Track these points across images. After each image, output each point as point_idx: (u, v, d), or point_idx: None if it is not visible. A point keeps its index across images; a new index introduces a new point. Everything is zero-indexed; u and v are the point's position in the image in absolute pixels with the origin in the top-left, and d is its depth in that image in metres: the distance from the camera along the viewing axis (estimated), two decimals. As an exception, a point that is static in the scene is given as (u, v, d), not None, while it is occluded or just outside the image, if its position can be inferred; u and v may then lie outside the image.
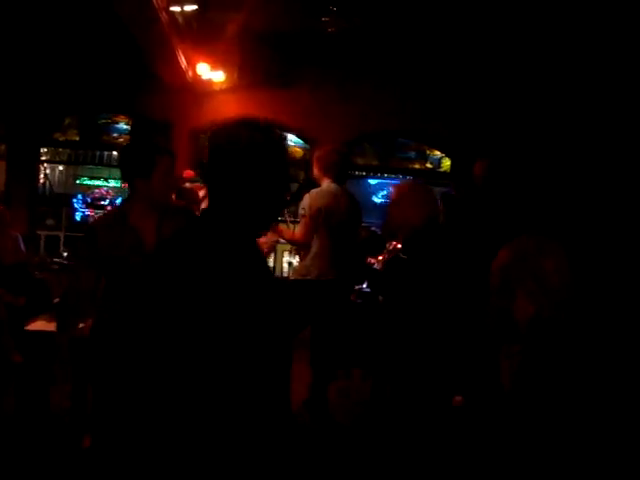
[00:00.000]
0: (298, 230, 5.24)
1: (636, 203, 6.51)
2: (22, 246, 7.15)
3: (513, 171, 4.79)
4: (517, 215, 4.53)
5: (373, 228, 7.91)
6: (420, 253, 3.33)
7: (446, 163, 10.41)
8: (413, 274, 3.34)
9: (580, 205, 6.87)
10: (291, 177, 1.84)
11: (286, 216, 8.02)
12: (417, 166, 10.57)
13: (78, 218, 10.33)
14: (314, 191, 5.16)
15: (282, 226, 6.66)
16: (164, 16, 6.21)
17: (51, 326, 4.67)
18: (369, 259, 8.22)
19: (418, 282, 3.31)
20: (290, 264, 11.26)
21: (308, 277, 5.16)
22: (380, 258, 8.22)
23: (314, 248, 5.15)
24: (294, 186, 10.57)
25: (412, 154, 10.58)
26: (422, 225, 3.29)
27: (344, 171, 5.38)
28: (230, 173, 1.70)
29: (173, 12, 6.39)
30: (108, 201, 10.45)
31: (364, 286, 8.49)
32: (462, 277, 3.29)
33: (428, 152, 10.57)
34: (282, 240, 7.59)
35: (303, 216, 5.12)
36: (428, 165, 10.59)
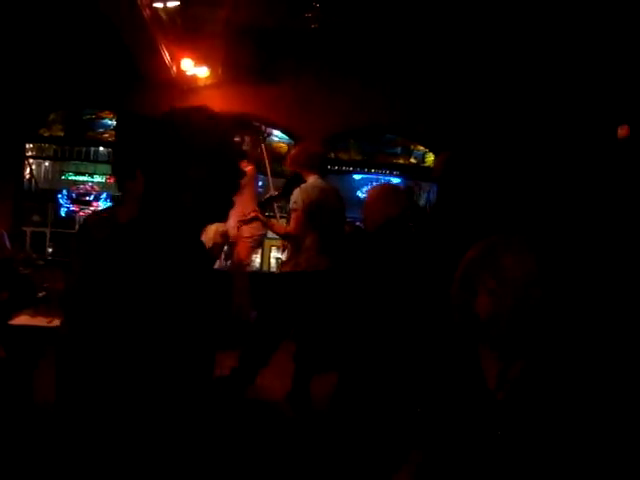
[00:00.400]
0: (291, 224, 5.32)
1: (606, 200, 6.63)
2: (7, 242, 7.17)
3: (470, 165, 4.86)
4: (476, 209, 4.65)
5: (358, 223, 7.99)
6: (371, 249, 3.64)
7: (430, 158, 10.48)
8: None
9: (554, 202, 6.97)
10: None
11: (276, 211, 8.08)
12: (401, 161, 10.63)
13: (63, 214, 10.35)
14: (305, 186, 5.25)
15: (273, 220, 6.73)
16: (147, 12, 6.24)
17: (35, 321, 4.70)
18: (353, 253, 8.30)
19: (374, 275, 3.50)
20: (278, 259, 11.32)
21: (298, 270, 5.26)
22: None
23: (304, 242, 5.26)
24: (280, 181, 10.63)
25: (397, 149, 10.65)
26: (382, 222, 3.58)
27: (325, 166, 5.54)
28: (164, 159, 1.65)
29: (156, 8, 6.41)
30: (93, 196, 10.48)
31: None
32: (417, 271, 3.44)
33: (412, 147, 10.64)
34: (270, 234, 7.67)
35: (295, 210, 5.21)
36: (412, 160, 10.66)
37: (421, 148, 10.60)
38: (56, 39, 8.79)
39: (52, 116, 10.25)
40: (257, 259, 11.33)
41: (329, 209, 5.26)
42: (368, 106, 9.43)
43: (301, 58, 9.17)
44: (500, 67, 8.36)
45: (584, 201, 6.83)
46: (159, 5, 6.37)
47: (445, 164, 5.04)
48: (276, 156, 10.28)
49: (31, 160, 10.97)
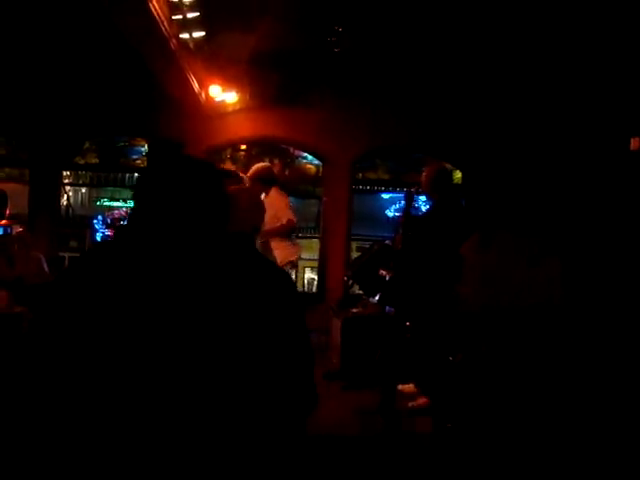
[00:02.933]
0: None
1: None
2: (45, 267, 7.38)
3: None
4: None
5: (387, 242, 8.06)
6: None
7: (457, 175, 10.53)
8: None
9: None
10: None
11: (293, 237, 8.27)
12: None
13: (99, 239, 10.60)
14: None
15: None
16: (174, 43, 6.45)
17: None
18: (381, 271, 8.37)
19: None
20: (312, 279, 11.42)
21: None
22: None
23: None
24: (311, 202, 10.80)
25: (424, 168, 10.70)
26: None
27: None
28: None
29: (183, 39, 6.63)
30: (126, 220, 10.73)
31: (376, 298, 8.64)
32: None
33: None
34: (304, 255, 7.98)
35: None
36: (440, 178, 10.70)
37: (448, 165, 10.64)
38: (89, 71, 9.10)
39: (87, 144, 10.55)
40: (292, 278, 11.47)
41: None
42: (393, 126, 9.52)
43: (326, 81, 9.31)
44: (520, 83, 8.42)
45: (596, 213, 6.88)
46: (185, 36, 6.57)
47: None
48: (304, 177, 10.46)
49: (67, 187, 11.27)
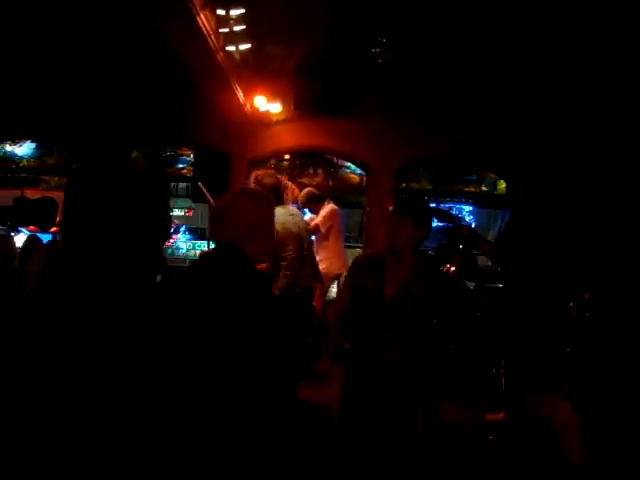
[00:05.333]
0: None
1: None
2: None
3: (550, 193, 4.94)
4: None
5: (430, 252, 8.05)
6: None
7: (501, 186, 10.46)
8: None
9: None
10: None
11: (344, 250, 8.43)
12: (472, 189, 10.65)
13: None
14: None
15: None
16: (220, 55, 6.55)
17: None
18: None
19: None
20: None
21: None
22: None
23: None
24: (354, 212, 10.81)
25: (467, 178, 10.66)
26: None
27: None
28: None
29: (229, 51, 6.72)
30: (173, 229, 10.90)
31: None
32: None
33: (483, 175, 10.63)
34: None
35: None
36: (483, 188, 10.66)
37: (492, 176, 10.59)
38: (136, 83, 9.30)
39: (134, 154, 10.73)
40: (333, 289, 11.48)
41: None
42: (437, 135, 9.53)
43: (369, 91, 9.34)
44: (568, 95, 8.34)
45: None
46: (231, 49, 6.67)
47: (526, 193, 5.15)
48: (348, 187, 10.49)
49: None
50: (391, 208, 3.92)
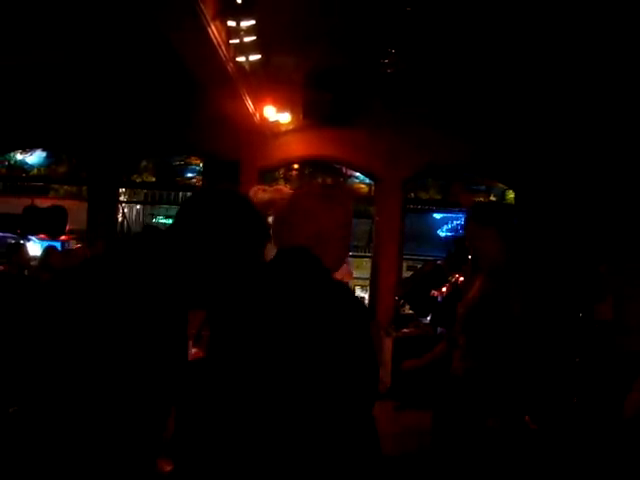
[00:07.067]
0: None
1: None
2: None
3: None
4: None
5: (439, 262, 8.05)
6: None
7: (510, 195, 10.46)
8: None
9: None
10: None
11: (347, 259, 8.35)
12: (481, 199, 10.63)
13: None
14: None
15: None
16: (231, 66, 6.59)
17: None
18: (432, 292, 8.36)
19: None
20: (363, 298, 11.41)
21: None
22: (444, 290, 8.35)
23: None
24: (362, 221, 10.83)
25: (476, 187, 10.66)
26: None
27: None
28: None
29: (239, 62, 6.76)
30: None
31: (428, 319, 8.62)
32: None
33: (491, 185, 10.63)
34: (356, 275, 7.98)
35: None
36: (492, 198, 10.65)
37: (501, 186, 10.59)
38: (145, 93, 9.36)
39: (144, 163, 10.79)
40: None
41: None
42: (446, 145, 9.52)
43: (378, 101, 9.36)
44: (576, 105, 8.34)
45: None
46: (242, 59, 6.71)
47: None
48: (356, 197, 10.50)
49: (124, 204, 11.52)
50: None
